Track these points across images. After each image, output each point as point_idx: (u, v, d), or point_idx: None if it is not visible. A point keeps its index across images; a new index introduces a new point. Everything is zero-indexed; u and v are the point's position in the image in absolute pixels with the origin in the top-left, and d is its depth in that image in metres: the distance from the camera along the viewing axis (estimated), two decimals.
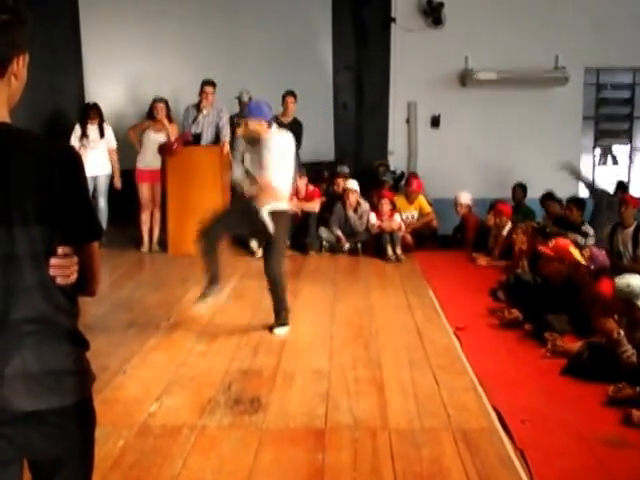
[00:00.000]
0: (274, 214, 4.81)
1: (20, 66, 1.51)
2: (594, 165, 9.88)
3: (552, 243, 5.13)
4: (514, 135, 9.21)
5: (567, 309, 4.75)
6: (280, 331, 4.93)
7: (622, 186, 8.59)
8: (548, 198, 7.91)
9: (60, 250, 1.50)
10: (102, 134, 7.69)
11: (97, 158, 7.55)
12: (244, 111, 4.81)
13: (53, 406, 1.51)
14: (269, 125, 4.90)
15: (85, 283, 1.58)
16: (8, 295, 1.45)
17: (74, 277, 1.52)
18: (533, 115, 9.17)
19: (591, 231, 6.89)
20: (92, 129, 7.63)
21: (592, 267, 5.00)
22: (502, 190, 8.52)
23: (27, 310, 1.47)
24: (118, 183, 7.80)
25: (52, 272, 1.49)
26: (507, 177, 8.70)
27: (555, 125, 9.20)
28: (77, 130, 7.59)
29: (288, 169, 4.95)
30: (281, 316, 4.98)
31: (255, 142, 4.87)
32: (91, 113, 7.65)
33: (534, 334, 4.69)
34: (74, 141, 7.36)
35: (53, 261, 1.49)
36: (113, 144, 7.80)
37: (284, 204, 4.92)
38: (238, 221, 4.99)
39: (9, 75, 1.49)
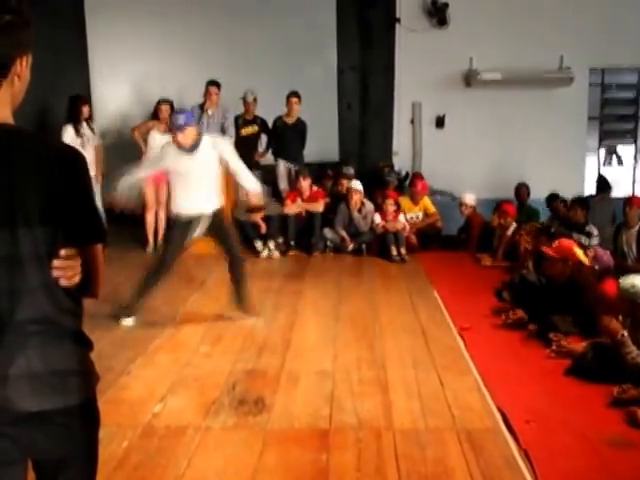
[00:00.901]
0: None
1: (23, 67, 1.52)
2: (599, 165, 9.85)
3: (556, 244, 5.12)
4: (519, 135, 9.19)
5: (572, 310, 4.74)
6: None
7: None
8: (554, 199, 7.88)
9: (63, 252, 1.50)
10: (92, 130, 7.57)
11: (89, 158, 7.37)
12: (174, 123, 4.88)
13: (58, 406, 1.51)
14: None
15: (88, 285, 1.58)
16: (12, 296, 1.46)
17: (77, 279, 1.52)
18: (538, 115, 9.16)
19: (595, 231, 6.87)
20: (84, 126, 7.45)
21: (596, 267, 4.99)
22: (507, 190, 8.51)
23: (31, 311, 1.48)
24: (99, 177, 7.59)
25: (55, 273, 1.49)
26: (512, 177, 8.69)
27: (560, 125, 9.18)
28: (69, 130, 7.30)
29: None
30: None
31: (189, 150, 4.91)
32: (84, 107, 7.43)
33: (539, 334, 4.68)
34: (69, 142, 6.94)
35: (56, 262, 1.49)
36: (98, 141, 7.73)
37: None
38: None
39: (12, 76, 1.50)
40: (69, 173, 1.50)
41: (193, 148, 4.91)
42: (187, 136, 4.88)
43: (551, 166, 8.96)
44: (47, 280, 1.49)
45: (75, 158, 1.53)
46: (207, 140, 5.01)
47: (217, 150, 4.98)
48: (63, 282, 1.50)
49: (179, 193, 5.07)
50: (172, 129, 4.92)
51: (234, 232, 5.25)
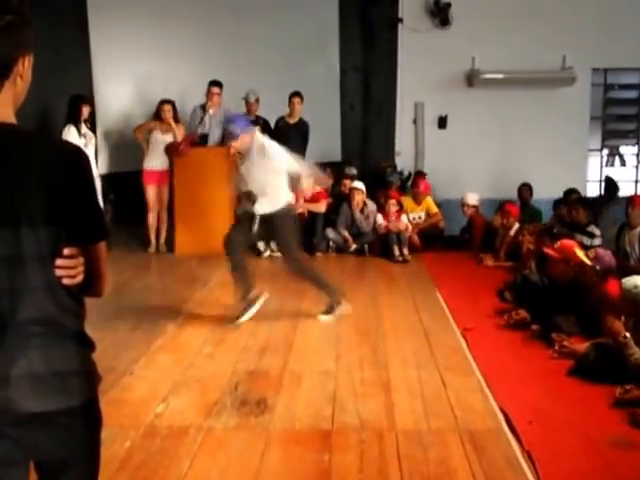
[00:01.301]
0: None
1: (25, 67, 1.51)
2: (601, 166, 9.84)
3: (557, 244, 5.11)
4: (521, 135, 9.18)
5: (575, 310, 4.73)
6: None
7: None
8: (571, 194, 7.83)
9: (66, 251, 1.49)
10: (93, 130, 7.58)
11: (92, 157, 7.24)
12: (230, 132, 5.07)
13: (59, 407, 1.50)
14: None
15: (92, 283, 1.57)
16: (14, 296, 1.45)
17: (80, 278, 1.52)
18: (540, 115, 9.14)
19: (597, 232, 6.86)
20: (84, 126, 7.45)
21: (598, 267, 4.98)
22: (509, 190, 8.51)
23: (33, 311, 1.47)
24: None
25: (58, 273, 1.48)
26: (514, 177, 8.68)
27: (562, 125, 9.17)
28: (72, 130, 7.25)
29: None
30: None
31: (245, 152, 5.08)
32: (84, 107, 7.41)
33: (541, 335, 4.67)
34: (74, 138, 7.05)
35: (59, 262, 1.48)
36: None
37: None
38: (247, 228, 5.15)
39: (14, 76, 1.49)
40: (72, 172, 1.49)
41: (249, 150, 5.03)
42: (244, 142, 5.01)
43: (553, 166, 8.95)
44: (49, 280, 1.48)
45: (77, 156, 1.52)
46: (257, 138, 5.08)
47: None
48: (66, 281, 1.49)
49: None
50: (227, 139, 5.13)
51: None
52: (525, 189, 8.51)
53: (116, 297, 5.70)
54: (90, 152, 7.07)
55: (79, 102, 7.42)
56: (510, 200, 7.83)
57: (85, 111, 7.44)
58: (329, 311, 5.26)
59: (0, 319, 1.45)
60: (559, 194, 8.04)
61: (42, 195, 1.45)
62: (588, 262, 5.00)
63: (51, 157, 1.49)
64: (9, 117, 1.50)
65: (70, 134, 7.23)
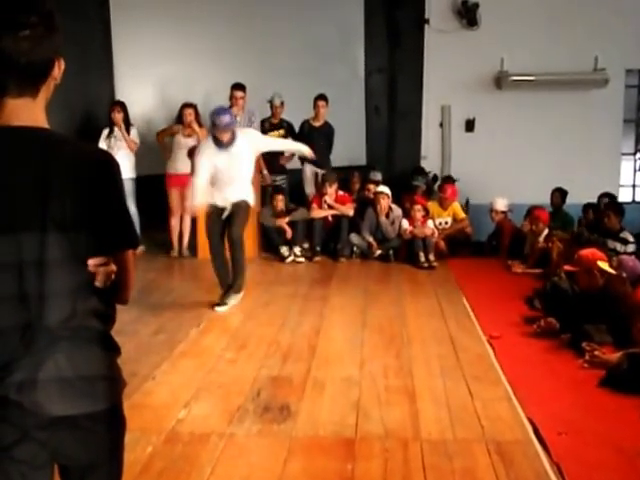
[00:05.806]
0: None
1: (61, 70, 1.55)
2: (635, 170, 9.64)
3: (576, 256, 4.98)
4: (551, 139, 9.04)
5: (606, 318, 4.62)
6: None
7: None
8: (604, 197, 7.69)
9: (91, 262, 1.49)
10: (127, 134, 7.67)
11: (120, 161, 7.37)
12: (217, 124, 5.40)
13: (85, 411, 1.51)
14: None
15: (118, 290, 1.58)
16: (42, 300, 1.46)
17: (108, 282, 1.53)
18: (571, 118, 8.99)
19: (631, 238, 6.70)
20: (116, 130, 7.55)
21: (624, 275, 4.84)
22: (539, 195, 8.32)
23: (60, 315, 1.47)
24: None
25: (88, 277, 1.49)
26: (544, 182, 8.51)
27: (594, 128, 9.00)
28: (105, 131, 7.52)
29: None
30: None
31: (224, 146, 5.48)
32: (111, 112, 7.56)
33: (571, 344, 4.56)
34: (101, 142, 7.35)
35: (91, 262, 1.49)
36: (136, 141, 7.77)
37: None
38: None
39: (50, 80, 1.53)
40: (105, 179, 1.51)
41: (224, 146, 5.45)
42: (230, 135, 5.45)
43: (585, 171, 8.79)
44: (77, 284, 1.49)
45: (111, 165, 1.54)
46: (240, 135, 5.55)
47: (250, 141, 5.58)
48: (97, 283, 1.50)
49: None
50: (231, 127, 5.45)
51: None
52: (556, 194, 8.35)
53: (138, 301, 5.70)
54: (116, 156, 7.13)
55: (109, 108, 7.67)
56: (539, 205, 7.69)
57: (115, 116, 7.52)
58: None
59: (29, 323, 1.46)
60: (590, 199, 7.88)
61: (73, 200, 1.46)
62: (612, 271, 4.85)
63: (83, 162, 1.50)
64: (43, 121, 1.53)
65: (101, 138, 7.49)
